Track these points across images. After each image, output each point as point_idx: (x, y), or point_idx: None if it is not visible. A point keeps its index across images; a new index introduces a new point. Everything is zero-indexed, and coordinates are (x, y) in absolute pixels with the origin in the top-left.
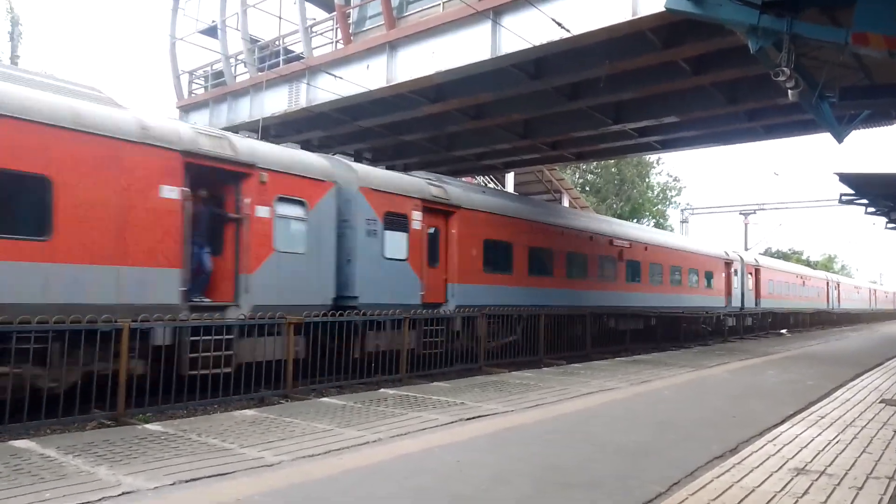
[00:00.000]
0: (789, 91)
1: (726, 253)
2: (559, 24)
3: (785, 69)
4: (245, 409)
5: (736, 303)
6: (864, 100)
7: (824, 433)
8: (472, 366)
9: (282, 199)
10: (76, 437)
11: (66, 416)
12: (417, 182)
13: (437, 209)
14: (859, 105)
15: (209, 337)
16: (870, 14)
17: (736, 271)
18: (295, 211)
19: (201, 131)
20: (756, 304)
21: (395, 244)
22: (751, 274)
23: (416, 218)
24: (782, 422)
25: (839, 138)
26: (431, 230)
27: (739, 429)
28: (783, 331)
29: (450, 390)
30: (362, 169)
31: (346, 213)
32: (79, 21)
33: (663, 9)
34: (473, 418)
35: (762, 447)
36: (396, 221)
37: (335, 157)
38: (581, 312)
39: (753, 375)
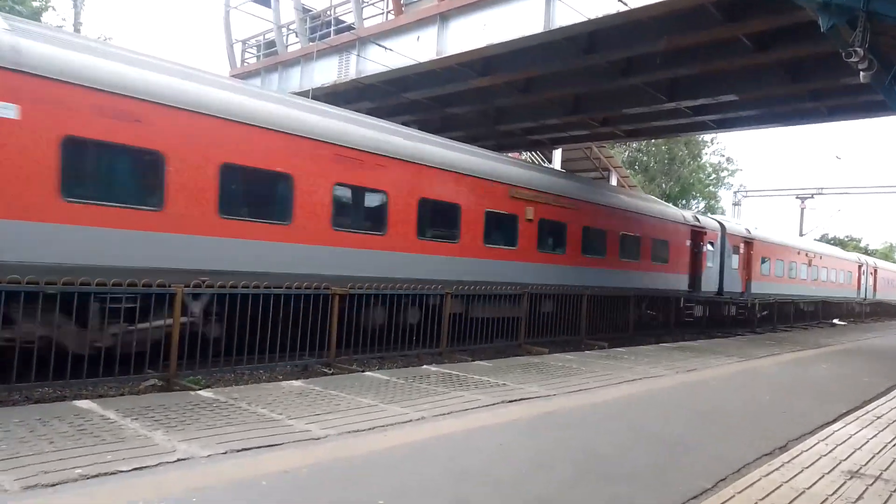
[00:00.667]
0: (861, 72)
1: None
2: None
3: (858, 49)
4: (290, 378)
5: (709, 286)
6: None
7: (880, 434)
8: (512, 343)
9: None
10: (133, 400)
11: (122, 374)
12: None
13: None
14: None
15: None
16: None
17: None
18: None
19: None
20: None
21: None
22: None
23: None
24: (835, 420)
25: None
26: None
27: (789, 425)
28: (836, 320)
29: (491, 370)
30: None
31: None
32: None
33: None
34: (516, 401)
35: (813, 446)
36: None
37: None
38: (624, 294)
39: (805, 369)
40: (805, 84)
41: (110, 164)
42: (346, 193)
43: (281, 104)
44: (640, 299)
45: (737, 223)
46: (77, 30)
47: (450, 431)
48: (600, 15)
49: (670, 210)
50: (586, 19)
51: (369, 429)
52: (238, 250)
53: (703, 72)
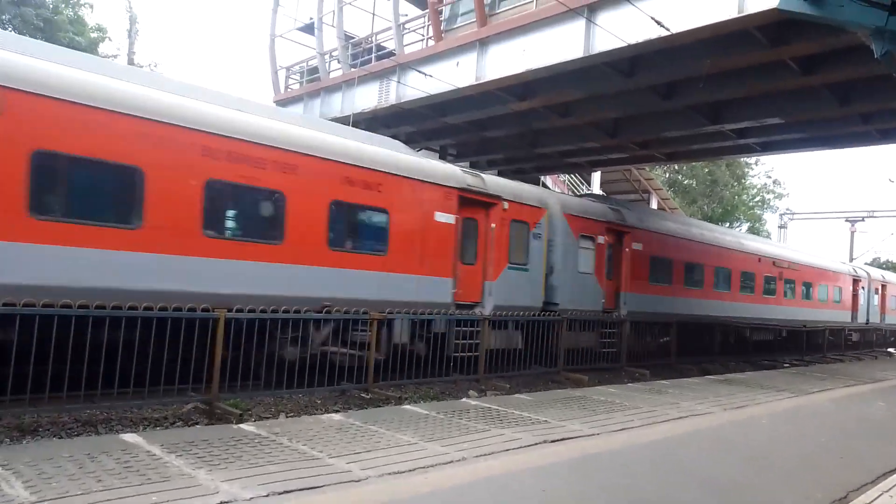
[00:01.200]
0: None
1: (854, 269)
2: (658, 23)
3: None
4: (328, 402)
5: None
6: None
7: None
8: (551, 370)
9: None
10: (178, 433)
11: (166, 396)
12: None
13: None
14: None
15: None
16: None
17: (863, 289)
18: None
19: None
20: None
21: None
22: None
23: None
24: None
25: None
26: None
27: (847, 472)
28: (892, 349)
29: (532, 404)
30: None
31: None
32: (185, 18)
33: (773, 6)
34: (558, 440)
35: (876, 498)
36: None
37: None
38: (667, 321)
39: (860, 406)
40: (854, 106)
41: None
42: None
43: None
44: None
45: (877, 271)
46: (131, 59)
47: (491, 474)
48: (641, 40)
49: (844, 266)
50: (627, 44)
51: (410, 470)
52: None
53: (747, 94)
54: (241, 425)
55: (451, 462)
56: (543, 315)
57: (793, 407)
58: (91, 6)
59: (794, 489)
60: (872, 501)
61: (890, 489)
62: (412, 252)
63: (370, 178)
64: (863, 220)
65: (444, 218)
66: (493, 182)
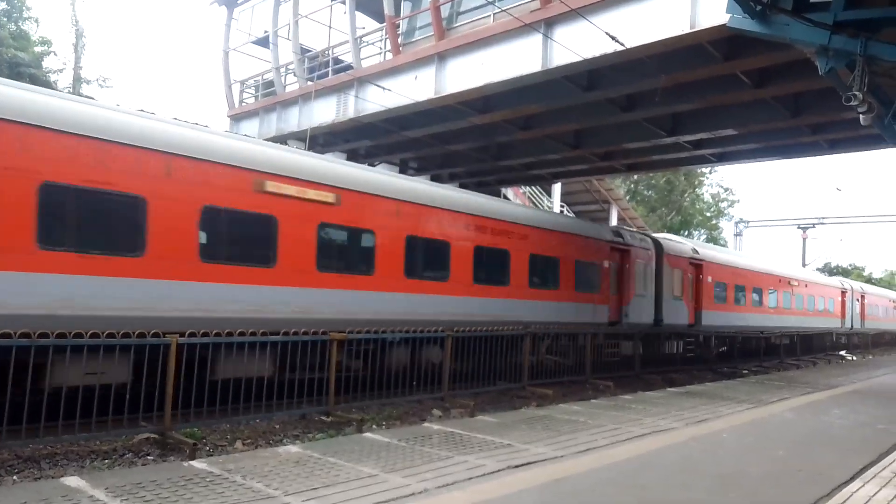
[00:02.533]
0: (861, 116)
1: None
2: (613, 38)
3: (857, 94)
4: (288, 427)
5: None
6: None
7: None
8: (515, 385)
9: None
10: (124, 474)
11: (117, 427)
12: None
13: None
14: None
15: None
16: None
17: (848, 298)
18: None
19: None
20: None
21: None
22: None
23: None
24: (853, 478)
25: None
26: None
27: (807, 486)
28: (843, 352)
29: (495, 427)
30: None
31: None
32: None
33: (723, 23)
34: (522, 465)
35: None
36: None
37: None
38: (629, 332)
39: (818, 416)
40: (805, 118)
41: None
42: None
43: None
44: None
45: (857, 284)
46: (77, 73)
47: None
48: (597, 55)
49: (835, 280)
50: (583, 59)
51: None
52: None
53: (702, 107)
54: (193, 462)
55: (413, 495)
56: (508, 330)
57: (753, 419)
58: (36, 20)
59: None
60: None
61: (845, 502)
62: (592, 287)
63: (574, 241)
64: (813, 226)
65: (605, 263)
66: (626, 234)
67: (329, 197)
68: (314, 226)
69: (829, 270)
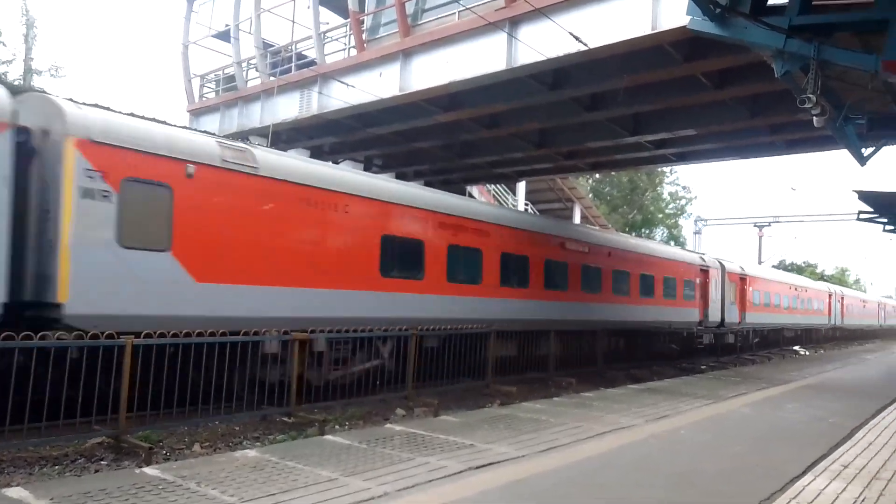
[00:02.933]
0: (815, 118)
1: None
2: (576, 38)
3: (811, 96)
4: (248, 429)
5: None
6: (893, 130)
7: (849, 488)
8: (480, 383)
9: (712, 279)
10: (73, 484)
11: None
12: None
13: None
14: (888, 135)
15: None
16: None
17: (831, 298)
18: (712, 283)
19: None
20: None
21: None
22: (839, 301)
23: (737, 283)
24: (805, 472)
25: (862, 162)
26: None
27: (762, 481)
28: (797, 347)
29: (458, 427)
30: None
31: (721, 282)
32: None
33: (683, 25)
34: (484, 466)
35: None
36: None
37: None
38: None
39: (773, 410)
40: (763, 119)
41: None
42: None
43: None
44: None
45: (838, 287)
46: (28, 65)
47: None
48: (561, 54)
49: (824, 285)
50: (547, 58)
51: None
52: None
53: (663, 107)
54: (146, 469)
55: (373, 499)
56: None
57: (711, 415)
58: None
59: None
60: None
61: (797, 496)
62: (689, 296)
63: (674, 266)
64: (769, 225)
65: (697, 279)
66: (707, 258)
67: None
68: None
69: (784, 268)
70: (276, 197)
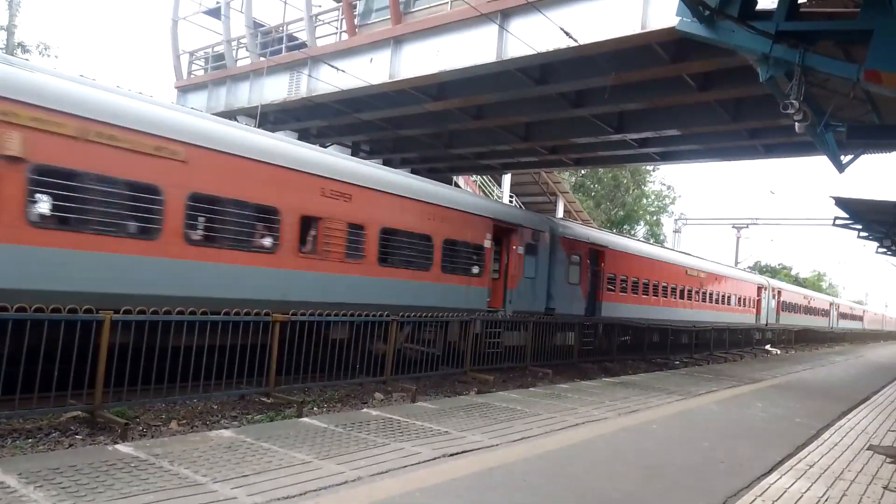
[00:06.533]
0: (796, 123)
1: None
2: (567, 33)
3: (794, 102)
4: (226, 408)
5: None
6: (872, 139)
7: (813, 487)
8: (457, 370)
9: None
10: (42, 459)
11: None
12: (763, 279)
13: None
14: (866, 144)
15: None
16: (884, 52)
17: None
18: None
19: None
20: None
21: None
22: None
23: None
24: (770, 471)
25: (840, 168)
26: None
27: (727, 478)
28: (769, 346)
29: (434, 413)
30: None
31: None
32: None
33: (672, 26)
34: (457, 454)
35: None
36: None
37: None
38: (570, 322)
39: (741, 408)
40: (744, 122)
41: None
42: None
43: None
44: (582, 326)
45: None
46: (11, 33)
47: (387, 495)
48: (551, 49)
49: (829, 298)
50: (537, 52)
51: (300, 494)
52: None
53: (648, 106)
54: (119, 446)
55: (346, 483)
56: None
57: (681, 410)
58: None
59: (681, 499)
60: None
61: (762, 494)
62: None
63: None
64: (747, 226)
65: (486, 242)
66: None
67: None
68: None
69: (760, 269)
70: None
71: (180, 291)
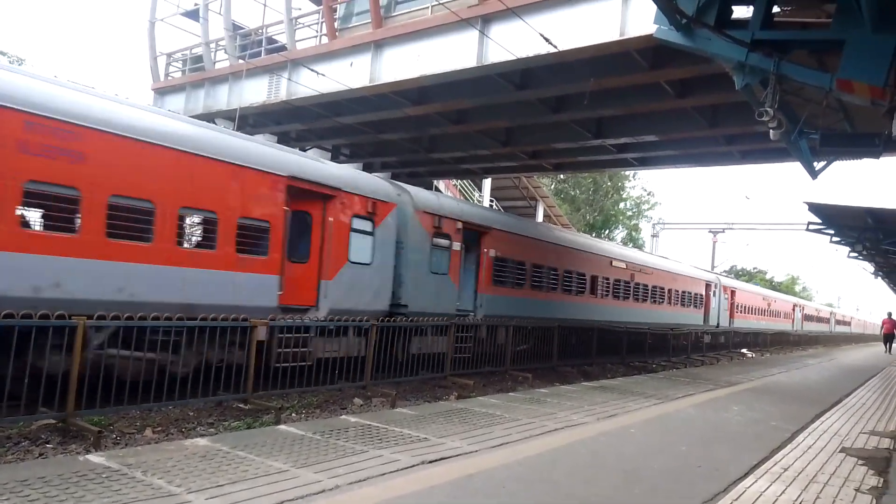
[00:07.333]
0: (771, 131)
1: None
2: (546, 39)
3: (769, 109)
4: (202, 415)
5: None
6: (844, 147)
7: (788, 490)
8: (438, 375)
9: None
10: (11, 471)
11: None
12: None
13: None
14: (839, 151)
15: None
16: (856, 62)
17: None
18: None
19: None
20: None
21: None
22: (727, 296)
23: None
24: (747, 474)
25: (814, 175)
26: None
27: (705, 482)
28: (744, 350)
29: (413, 419)
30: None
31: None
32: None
33: (650, 33)
34: (436, 460)
35: None
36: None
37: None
38: (549, 325)
39: (718, 412)
40: (721, 129)
41: None
42: None
43: None
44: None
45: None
46: None
47: None
48: (531, 55)
49: (829, 308)
50: (517, 58)
51: None
52: None
53: (627, 112)
54: (90, 456)
55: (323, 492)
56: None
57: (659, 415)
58: None
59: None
60: None
61: (738, 497)
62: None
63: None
64: (723, 231)
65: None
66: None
67: None
68: None
69: (736, 273)
70: None
71: None
